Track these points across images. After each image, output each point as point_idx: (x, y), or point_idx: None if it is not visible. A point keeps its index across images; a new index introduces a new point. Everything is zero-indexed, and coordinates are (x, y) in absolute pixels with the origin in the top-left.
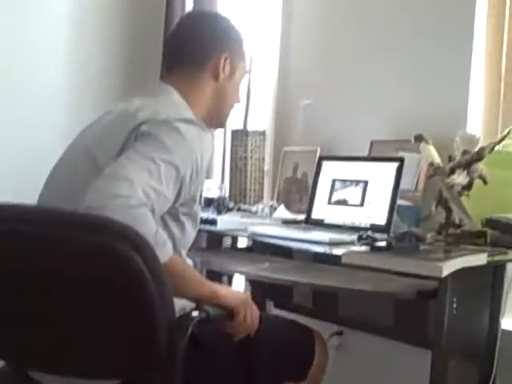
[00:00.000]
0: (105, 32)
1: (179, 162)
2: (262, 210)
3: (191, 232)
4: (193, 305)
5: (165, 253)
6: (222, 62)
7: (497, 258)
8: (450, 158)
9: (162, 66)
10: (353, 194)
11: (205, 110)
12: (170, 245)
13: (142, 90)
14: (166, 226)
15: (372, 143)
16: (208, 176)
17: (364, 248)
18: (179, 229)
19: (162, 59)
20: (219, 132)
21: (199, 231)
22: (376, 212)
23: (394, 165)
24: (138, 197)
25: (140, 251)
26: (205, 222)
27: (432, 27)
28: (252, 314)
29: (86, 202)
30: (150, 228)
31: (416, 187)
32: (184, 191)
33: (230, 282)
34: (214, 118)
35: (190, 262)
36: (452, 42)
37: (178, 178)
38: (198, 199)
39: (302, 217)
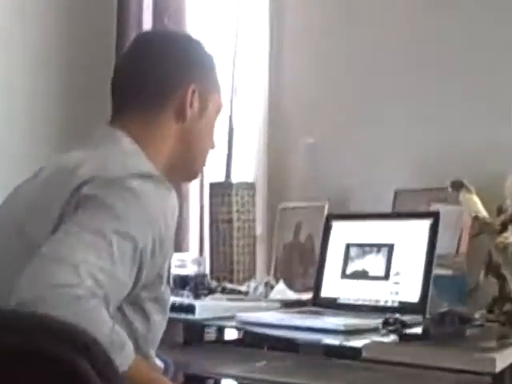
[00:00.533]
0: (35, 58)
1: (136, 232)
2: (255, 289)
3: (159, 322)
4: None
5: (124, 358)
6: (188, 96)
7: None
8: (501, 210)
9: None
10: (374, 263)
11: (168, 161)
12: (130, 346)
13: (85, 138)
14: (124, 320)
15: (396, 194)
16: (179, 247)
17: (391, 337)
18: (143, 321)
19: (111, 96)
20: (194, 185)
21: (171, 321)
22: (406, 286)
23: (427, 222)
24: (86, 285)
25: (89, 356)
26: (179, 308)
27: (472, 44)
28: None
29: (17, 295)
30: (103, 325)
31: (457, 250)
32: (145, 270)
33: None
34: (182, 170)
35: (160, 364)
36: (495, 63)
37: (136, 254)
38: (164, 278)
39: (308, 296)
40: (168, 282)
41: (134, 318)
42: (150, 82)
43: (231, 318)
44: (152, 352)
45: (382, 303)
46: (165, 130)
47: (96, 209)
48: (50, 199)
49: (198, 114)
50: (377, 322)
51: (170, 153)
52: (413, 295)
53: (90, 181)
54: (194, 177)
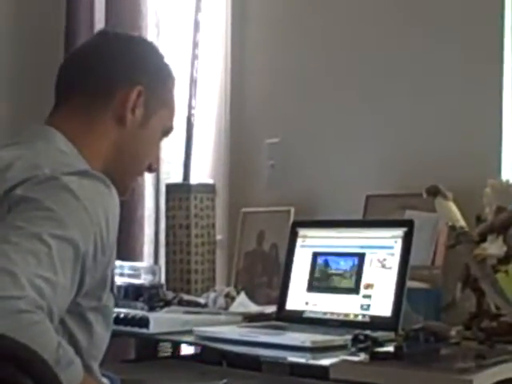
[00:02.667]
0: None
1: (76, 235)
2: (214, 301)
3: (103, 334)
4: None
5: (72, 376)
6: (131, 97)
7: None
8: (479, 219)
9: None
10: (343, 274)
11: (103, 167)
12: (78, 363)
13: (17, 136)
14: (66, 332)
15: (368, 199)
16: (132, 254)
17: (361, 355)
18: (85, 332)
19: (54, 92)
20: (148, 186)
21: (123, 335)
22: (377, 300)
23: (400, 231)
24: (28, 297)
25: (34, 376)
26: (131, 322)
27: (452, 48)
28: None
29: None
30: (49, 341)
31: (433, 262)
32: (88, 276)
33: None
34: (116, 180)
35: (105, 382)
36: (471, 69)
37: (78, 259)
38: (108, 284)
39: (271, 309)
40: (112, 291)
41: (76, 329)
42: (94, 77)
43: (188, 332)
44: (95, 366)
45: (351, 317)
46: (104, 132)
47: (31, 211)
48: None
49: (139, 123)
50: (346, 338)
51: (105, 158)
52: (384, 309)
53: (23, 182)
54: (122, 193)
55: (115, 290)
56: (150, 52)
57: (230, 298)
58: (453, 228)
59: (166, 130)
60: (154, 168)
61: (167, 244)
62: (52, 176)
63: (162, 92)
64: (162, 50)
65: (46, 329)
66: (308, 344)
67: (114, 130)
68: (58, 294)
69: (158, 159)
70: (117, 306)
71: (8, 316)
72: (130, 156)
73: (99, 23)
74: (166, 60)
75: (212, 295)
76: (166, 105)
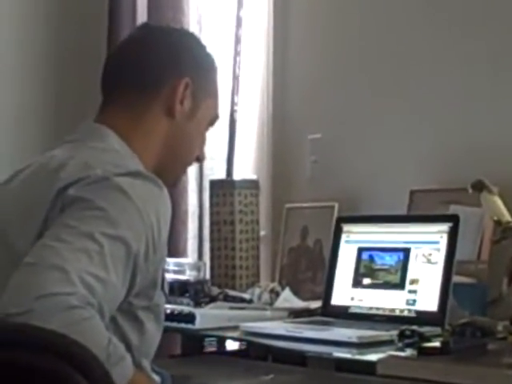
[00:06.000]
0: (22, 53)
1: (128, 234)
2: (259, 296)
3: (154, 333)
4: None
5: (122, 372)
6: (179, 89)
7: None
8: None
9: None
10: (388, 269)
11: (155, 160)
12: (129, 360)
13: (68, 135)
14: (117, 330)
15: (412, 194)
16: (176, 251)
17: (408, 351)
18: (137, 331)
19: (101, 90)
20: (192, 183)
21: (169, 331)
22: (423, 295)
23: (446, 226)
24: (79, 293)
25: (85, 371)
26: (178, 317)
27: (493, 30)
28: None
29: (5, 310)
30: (100, 338)
31: (479, 257)
32: (139, 276)
33: None
34: (166, 173)
35: (156, 378)
36: None
37: (129, 259)
38: (159, 284)
39: (316, 305)
40: (162, 288)
41: (127, 327)
42: (141, 72)
43: (234, 328)
44: (146, 364)
45: (397, 313)
46: (154, 126)
47: (84, 211)
48: (32, 203)
49: (187, 114)
50: (392, 333)
51: (157, 152)
52: (430, 305)
53: (76, 182)
54: (172, 183)
55: (166, 288)
56: (193, 43)
57: (274, 294)
58: (498, 223)
59: (212, 120)
60: (201, 158)
61: (211, 240)
62: (104, 177)
63: (207, 82)
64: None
65: (97, 325)
66: (354, 339)
67: (164, 123)
68: (109, 292)
69: (204, 150)
70: None
71: (59, 312)
72: (180, 147)
73: (141, 20)
74: (209, 50)
75: (257, 291)
76: (212, 94)
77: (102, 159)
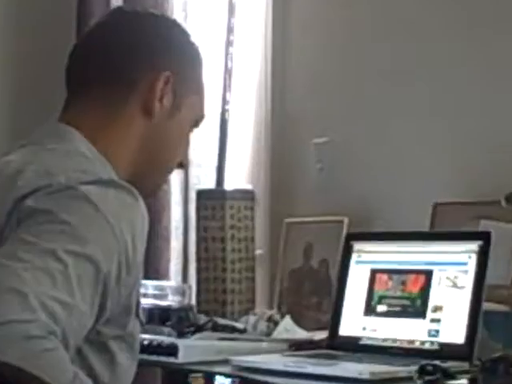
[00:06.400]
0: None
1: (97, 252)
2: (254, 326)
3: (128, 367)
4: None
5: None
6: (158, 85)
7: None
8: None
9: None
10: (407, 294)
11: (129, 166)
12: None
13: (29, 136)
14: (84, 364)
15: (435, 208)
16: (157, 272)
17: None
18: (107, 365)
19: (66, 84)
20: (176, 193)
21: (148, 365)
22: (448, 324)
23: (475, 244)
24: (39, 320)
25: None
26: (157, 350)
27: None
28: None
29: None
30: (64, 372)
31: None
32: (110, 300)
33: None
34: (142, 181)
35: None
36: None
37: (98, 280)
38: (133, 310)
39: (322, 335)
40: (137, 315)
41: (96, 360)
42: (113, 64)
43: (224, 362)
44: None
45: (417, 345)
46: (128, 127)
47: (44, 225)
48: None
49: (167, 113)
50: (411, 369)
51: (132, 158)
52: (457, 336)
53: (35, 191)
54: (151, 194)
55: (141, 315)
56: (175, 31)
57: (272, 323)
58: None
59: (197, 120)
60: (184, 164)
61: (198, 260)
62: (68, 185)
63: (191, 77)
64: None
65: (61, 357)
66: (366, 376)
67: (140, 124)
68: (75, 319)
69: (187, 154)
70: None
71: (17, 342)
72: (159, 152)
73: (116, 3)
74: (193, 39)
75: (252, 319)
76: (196, 91)
77: (66, 164)
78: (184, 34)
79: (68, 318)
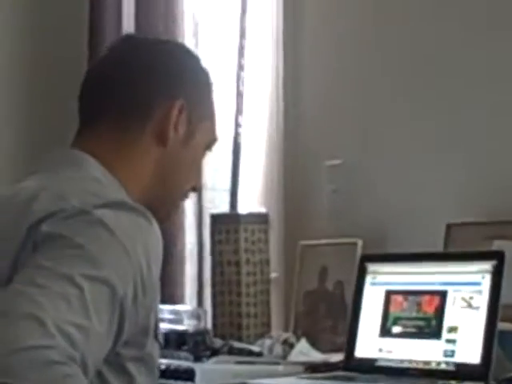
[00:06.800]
0: None
1: (113, 275)
2: (270, 349)
3: None
4: None
5: None
6: (173, 114)
7: None
8: None
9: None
10: (422, 315)
11: (144, 193)
12: None
13: (40, 163)
14: None
15: (449, 228)
16: (173, 296)
17: None
18: None
19: (78, 111)
20: (190, 217)
21: None
22: (463, 345)
23: (489, 264)
24: (59, 346)
25: None
26: (174, 374)
27: None
28: None
29: None
30: None
31: None
32: (128, 321)
33: None
34: (157, 207)
35: None
36: None
37: (115, 303)
38: (151, 331)
39: (338, 358)
40: (156, 337)
41: (115, 382)
42: (127, 94)
43: None
44: None
45: (433, 366)
46: (143, 155)
47: (60, 250)
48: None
49: (181, 141)
50: None
51: (146, 185)
52: (472, 356)
53: (49, 216)
54: (165, 219)
55: (160, 339)
56: (186, 58)
57: (288, 346)
58: None
59: (210, 143)
60: (198, 188)
61: (213, 284)
62: (82, 209)
63: (203, 102)
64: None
65: (80, 383)
66: None
67: (155, 152)
68: (93, 342)
69: (200, 178)
70: None
71: (38, 368)
72: (173, 178)
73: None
74: (203, 63)
75: (267, 342)
76: (208, 116)
77: (80, 189)
78: (195, 59)
79: (86, 341)
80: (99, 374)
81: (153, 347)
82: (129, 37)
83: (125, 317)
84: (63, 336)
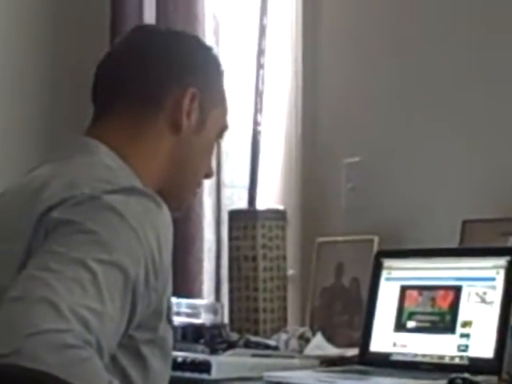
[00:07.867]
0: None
1: (125, 259)
2: (286, 343)
3: (161, 372)
4: None
5: None
6: (186, 101)
7: None
8: None
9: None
10: (436, 310)
11: (158, 181)
12: None
13: (54, 152)
14: (116, 368)
15: (464, 225)
16: (191, 291)
17: None
18: (140, 369)
19: (92, 99)
20: (208, 214)
21: (179, 382)
22: (477, 339)
23: (503, 260)
24: (74, 330)
25: None
26: (190, 367)
27: None
28: None
29: None
30: (99, 380)
31: None
32: (140, 304)
33: None
34: (171, 195)
35: None
36: None
37: (127, 287)
38: (164, 313)
39: (353, 352)
40: (169, 321)
41: (128, 365)
42: (140, 82)
43: (257, 378)
44: None
45: (446, 360)
46: (157, 143)
47: (72, 235)
48: (11, 231)
49: (194, 129)
50: (440, 383)
51: (160, 172)
52: (486, 350)
53: (60, 203)
54: (179, 208)
55: (173, 321)
56: (197, 47)
57: (304, 340)
58: None
59: (221, 131)
60: (210, 174)
61: (231, 279)
62: (92, 195)
63: (214, 90)
64: (223, 59)
65: (96, 367)
66: None
67: (168, 139)
68: (107, 326)
69: (211, 165)
70: (174, 348)
71: (53, 351)
72: (186, 165)
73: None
74: (214, 52)
75: (284, 337)
76: (220, 103)
77: (90, 175)
78: (205, 48)
79: (100, 325)
80: (113, 358)
81: (166, 331)
82: (140, 27)
83: (137, 300)
84: (78, 320)
